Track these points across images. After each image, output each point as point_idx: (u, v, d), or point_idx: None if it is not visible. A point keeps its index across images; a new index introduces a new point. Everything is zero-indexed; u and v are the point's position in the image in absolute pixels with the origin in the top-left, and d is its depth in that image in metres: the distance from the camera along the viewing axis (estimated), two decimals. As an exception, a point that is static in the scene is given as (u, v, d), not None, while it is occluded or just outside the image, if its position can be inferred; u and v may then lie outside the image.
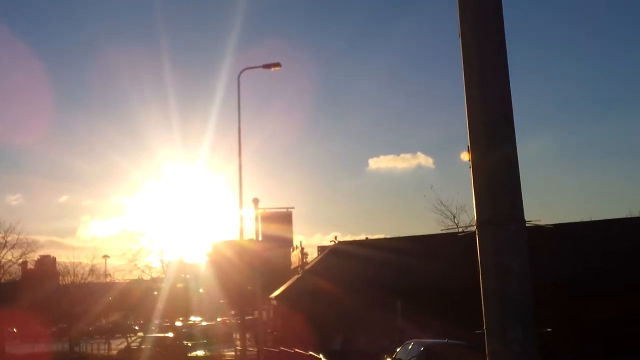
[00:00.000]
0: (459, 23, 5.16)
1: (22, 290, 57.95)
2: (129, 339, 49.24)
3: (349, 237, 74.33)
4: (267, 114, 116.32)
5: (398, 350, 23.87)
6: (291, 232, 28.79)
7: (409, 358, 22.12)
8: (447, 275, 33.89)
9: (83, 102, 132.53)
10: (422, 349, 22.12)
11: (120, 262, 53.14)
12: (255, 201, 28.26)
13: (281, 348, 31.69)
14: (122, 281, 60.11)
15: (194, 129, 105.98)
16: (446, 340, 22.44)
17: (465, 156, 5.07)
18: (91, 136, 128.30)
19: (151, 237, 42.72)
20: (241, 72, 30.33)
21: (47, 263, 76.31)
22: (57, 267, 70.43)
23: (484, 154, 4.90)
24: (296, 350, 29.56)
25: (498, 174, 4.86)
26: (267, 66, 30.38)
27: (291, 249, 59.48)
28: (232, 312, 74.57)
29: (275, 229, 27.87)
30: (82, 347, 54.58)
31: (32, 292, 58.71)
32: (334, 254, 46.80)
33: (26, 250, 50.24)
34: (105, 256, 66.43)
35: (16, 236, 49.03)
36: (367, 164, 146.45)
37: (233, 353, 37.73)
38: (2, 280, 50.85)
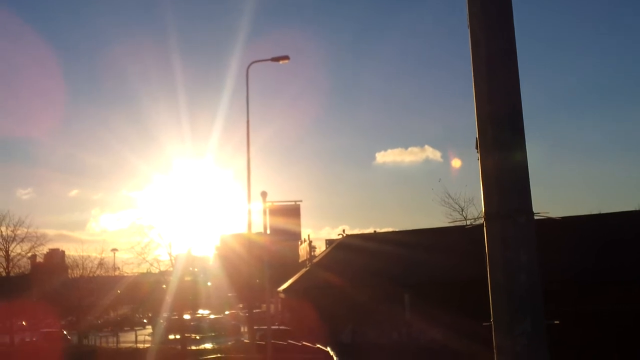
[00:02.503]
0: (467, 16, 5.14)
1: (31, 284, 58.26)
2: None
3: (357, 231, 74.45)
4: (275, 107, 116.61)
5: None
6: (299, 225, 28.77)
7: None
8: (454, 268, 33.88)
9: (93, 97, 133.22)
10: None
11: (129, 256, 53.30)
12: (264, 194, 28.21)
13: (289, 341, 31.76)
14: (131, 274, 60.35)
15: (203, 122, 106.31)
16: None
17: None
18: (102, 130, 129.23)
19: (160, 231, 42.72)
20: (250, 65, 30.26)
21: (56, 256, 76.68)
22: (66, 260, 70.76)
23: (492, 147, 4.88)
24: (304, 343, 29.63)
25: (506, 166, 4.84)
26: (276, 59, 30.28)
27: (299, 242, 59.47)
28: (240, 305, 74.79)
29: (284, 222, 27.85)
30: (90, 339, 54.89)
31: (41, 285, 59.05)
32: (342, 247, 46.79)
33: (35, 243, 50.46)
34: (114, 249, 66.82)
35: (25, 230, 49.20)
36: (374, 158, 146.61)
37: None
38: (12, 274, 51.03)
